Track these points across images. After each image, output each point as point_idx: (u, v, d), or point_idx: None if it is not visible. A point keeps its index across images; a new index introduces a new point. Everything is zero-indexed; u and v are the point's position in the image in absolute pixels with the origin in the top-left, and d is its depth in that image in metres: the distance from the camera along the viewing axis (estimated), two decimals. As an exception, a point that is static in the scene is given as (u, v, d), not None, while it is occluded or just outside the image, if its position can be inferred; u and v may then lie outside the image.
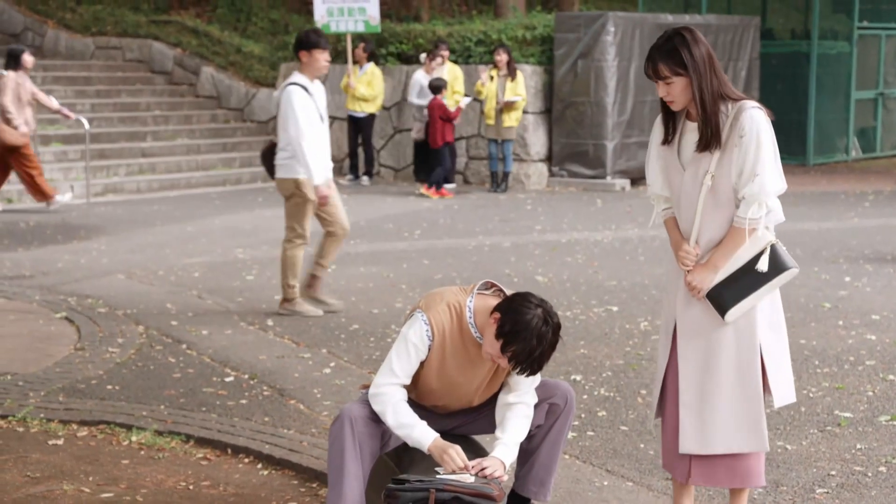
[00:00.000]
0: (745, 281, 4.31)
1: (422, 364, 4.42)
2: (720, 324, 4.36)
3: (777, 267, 4.32)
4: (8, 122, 14.10)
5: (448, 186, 16.66)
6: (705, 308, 4.39)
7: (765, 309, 4.38)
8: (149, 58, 21.11)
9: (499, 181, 17.06)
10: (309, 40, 8.56)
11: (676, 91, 4.32)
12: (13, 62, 14.36)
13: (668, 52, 4.29)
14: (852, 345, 7.87)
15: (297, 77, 8.59)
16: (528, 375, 4.32)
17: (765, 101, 20.21)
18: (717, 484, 4.51)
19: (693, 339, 4.41)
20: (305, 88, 8.51)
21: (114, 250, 11.64)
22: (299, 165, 8.49)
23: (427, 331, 4.36)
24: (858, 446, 5.82)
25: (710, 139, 4.30)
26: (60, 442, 5.85)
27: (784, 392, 4.44)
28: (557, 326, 4.26)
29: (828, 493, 5.20)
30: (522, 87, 16.62)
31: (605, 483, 5.33)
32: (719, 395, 4.36)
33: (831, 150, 21.59)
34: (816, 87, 20.73)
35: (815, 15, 20.85)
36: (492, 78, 16.49)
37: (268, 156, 8.76)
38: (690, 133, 4.39)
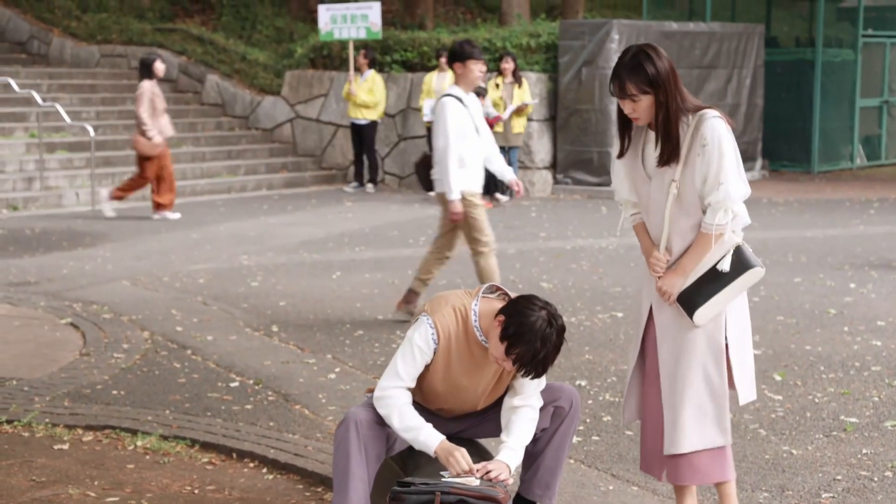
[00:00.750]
0: (712, 283, 4.38)
1: (427, 367, 4.42)
2: (690, 326, 4.42)
3: (741, 266, 4.38)
4: (143, 132, 14.19)
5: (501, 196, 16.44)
6: (677, 312, 4.46)
7: (732, 310, 4.45)
8: (154, 66, 21.12)
9: (503, 188, 17.06)
10: (463, 51, 8.32)
11: (642, 108, 4.36)
12: (146, 71, 14.42)
13: (634, 70, 4.32)
14: (858, 350, 7.86)
15: (452, 89, 8.40)
16: (532, 378, 4.31)
17: (769, 108, 20.30)
18: (691, 482, 4.53)
19: (667, 342, 4.48)
20: (461, 100, 8.33)
21: (119, 257, 11.65)
22: (447, 177, 8.30)
23: (432, 334, 4.37)
24: (864, 451, 5.82)
25: (670, 154, 4.37)
26: (66, 447, 5.85)
27: (747, 390, 4.53)
28: (562, 328, 4.26)
29: (833, 497, 5.20)
30: (528, 94, 16.64)
31: (611, 487, 5.33)
32: (688, 396, 4.41)
33: (836, 157, 21.58)
34: (821, 95, 20.73)
35: (819, 23, 20.85)
36: (497, 86, 16.49)
37: (420, 167, 8.61)
38: (653, 143, 4.44)
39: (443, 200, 8.52)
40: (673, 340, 4.45)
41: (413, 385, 4.42)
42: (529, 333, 4.18)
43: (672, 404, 4.44)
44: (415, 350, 4.37)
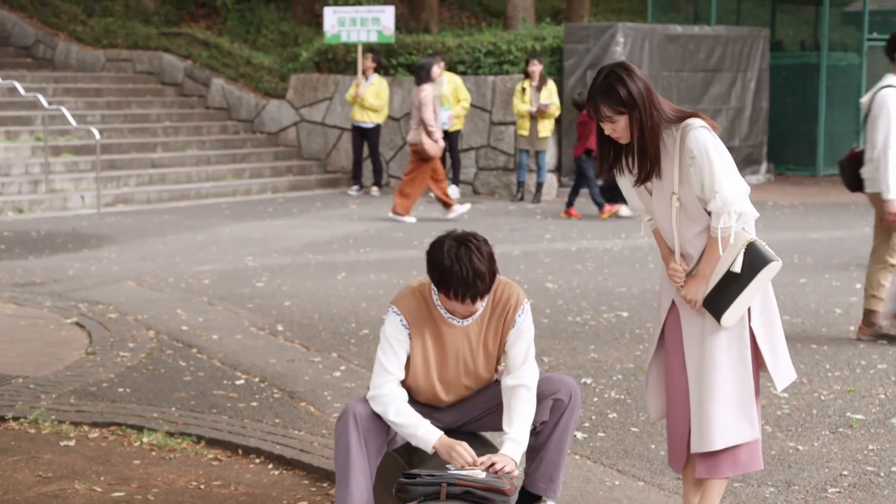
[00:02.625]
0: (734, 284, 4.38)
1: (407, 365, 4.44)
2: (714, 324, 4.41)
3: (758, 263, 4.37)
4: (429, 134, 14.36)
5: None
6: (700, 311, 4.46)
7: (755, 303, 4.44)
8: (159, 69, 21.18)
9: (533, 191, 17.07)
10: None
11: (621, 128, 4.38)
12: (426, 75, 14.59)
13: (607, 93, 4.33)
14: (863, 349, 7.86)
15: (891, 79, 7.63)
16: (481, 299, 4.29)
17: (775, 112, 20.29)
18: (732, 473, 4.53)
19: (692, 340, 4.48)
20: None
21: (124, 258, 11.66)
22: (885, 174, 7.58)
23: (401, 320, 4.43)
24: (870, 447, 5.81)
25: (648, 172, 4.39)
26: (72, 443, 5.86)
27: (783, 375, 4.53)
28: (474, 240, 4.27)
29: (840, 492, 5.19)
30: (556, 95, 16.65)
31: (617, 483, 5.33)
32: (717, 392, 4.41)
33: (841, 161, 21.54)
34: (826, 99, 20.72)
35: (824, 27, 20.86)
36: (524, 90, 16.47)
37: (846, 165, 7.96)
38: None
39: (876, 202, 7.83)
40: (697, 338, 4.45)
41: (403, 376, 4.44)
42: (445, 267, 4.22)
43: (700, 402, 4.42)
44: (391, 341, 4.43)
